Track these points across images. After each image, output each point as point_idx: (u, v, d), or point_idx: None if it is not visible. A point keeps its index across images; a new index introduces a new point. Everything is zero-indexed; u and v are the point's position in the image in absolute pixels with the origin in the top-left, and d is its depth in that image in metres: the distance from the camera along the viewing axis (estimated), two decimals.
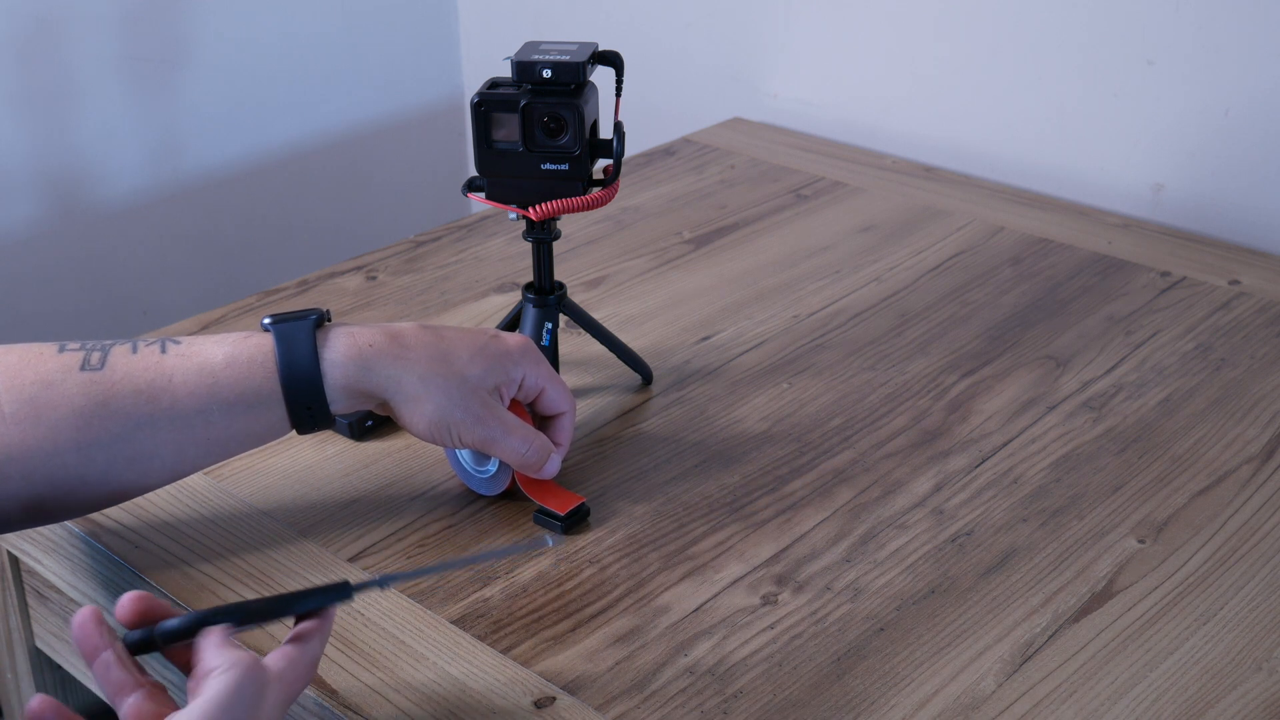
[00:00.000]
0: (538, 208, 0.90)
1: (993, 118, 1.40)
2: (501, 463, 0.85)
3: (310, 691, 0.73)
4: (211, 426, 0.76)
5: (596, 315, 1.05)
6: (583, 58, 0.88)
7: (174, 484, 0.89)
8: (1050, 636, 0.77)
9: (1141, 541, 0.85)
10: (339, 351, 0.78)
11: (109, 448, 0.74)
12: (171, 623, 0.65)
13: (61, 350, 0.76)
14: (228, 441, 0.78)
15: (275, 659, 0.65)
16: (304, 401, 0.77)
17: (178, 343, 0.78)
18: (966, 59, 1.41)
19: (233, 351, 0.77)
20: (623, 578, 0.81)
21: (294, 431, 0.79)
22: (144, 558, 0.83)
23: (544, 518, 0.85)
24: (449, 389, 0.79)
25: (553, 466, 0.84)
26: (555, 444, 0.85)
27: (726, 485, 0.90)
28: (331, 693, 0.73)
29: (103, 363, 0.75)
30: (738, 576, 0.81)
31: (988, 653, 0.76)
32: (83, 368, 0.75)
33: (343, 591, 0.68)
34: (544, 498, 0.85)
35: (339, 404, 0.78)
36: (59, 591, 0.92)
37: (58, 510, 0.76)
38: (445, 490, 0.89)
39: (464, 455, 0.87)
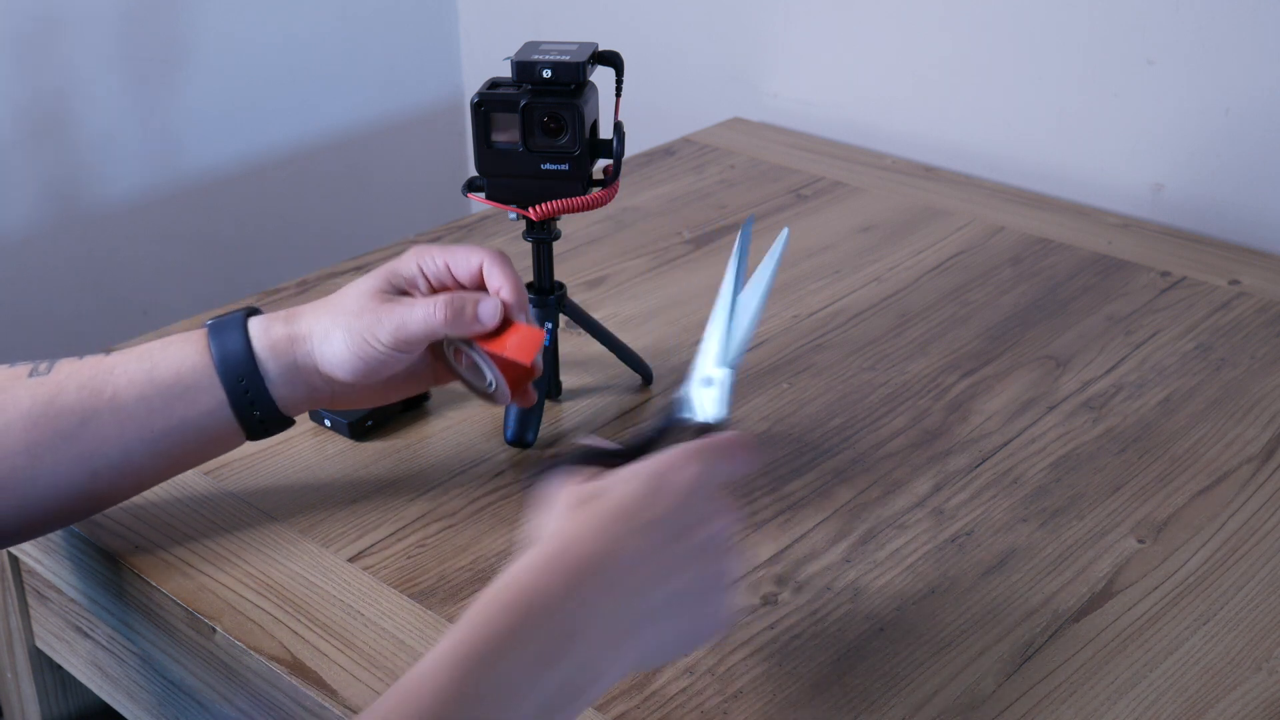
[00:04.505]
0: (538, 208, 0.90)
1: (993, 118, 1.40)
2: (490, 370, 0.83)
3: (311, 692, 0.73)
4: (153, 415, 0.77)
5: (596, 315, 1.05)
6: (583, 58, 0.88)
7: (174, 485, 0.89)
8: (1050, 636, 0.77)
9: (1141, 541, 0.85)
10: (264, 318, 0.80)
11: (57, 448, 0.75)
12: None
13: (13, 366, 0.78)
14: (169, 433, 0.77)
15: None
16: (237, 371, 0.77)
17: (127, 350, 0.80)
18: (967, 59, 1.41)
19: (169, 340, 0.79)
20: None
21: (238, 429, 0.79)
22: (144, 558, 0.83)
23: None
24: (346, 304, 0.80)
25: (487, 309, 0.80)
26: (495, 292, 0.82)
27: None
28: (331, 693, 0.73)
29: (50, 369, 0.78)
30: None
31: (988, 653, 0.76)
32: (31, 375, 0.77)
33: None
34: (507, 349, 0.82)
35: (270, 367, 0.78)
36: (59, 591, 0.92)
37: (14, 525, 0.77)
38: (445, 490, 0.89)
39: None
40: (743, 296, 0.74)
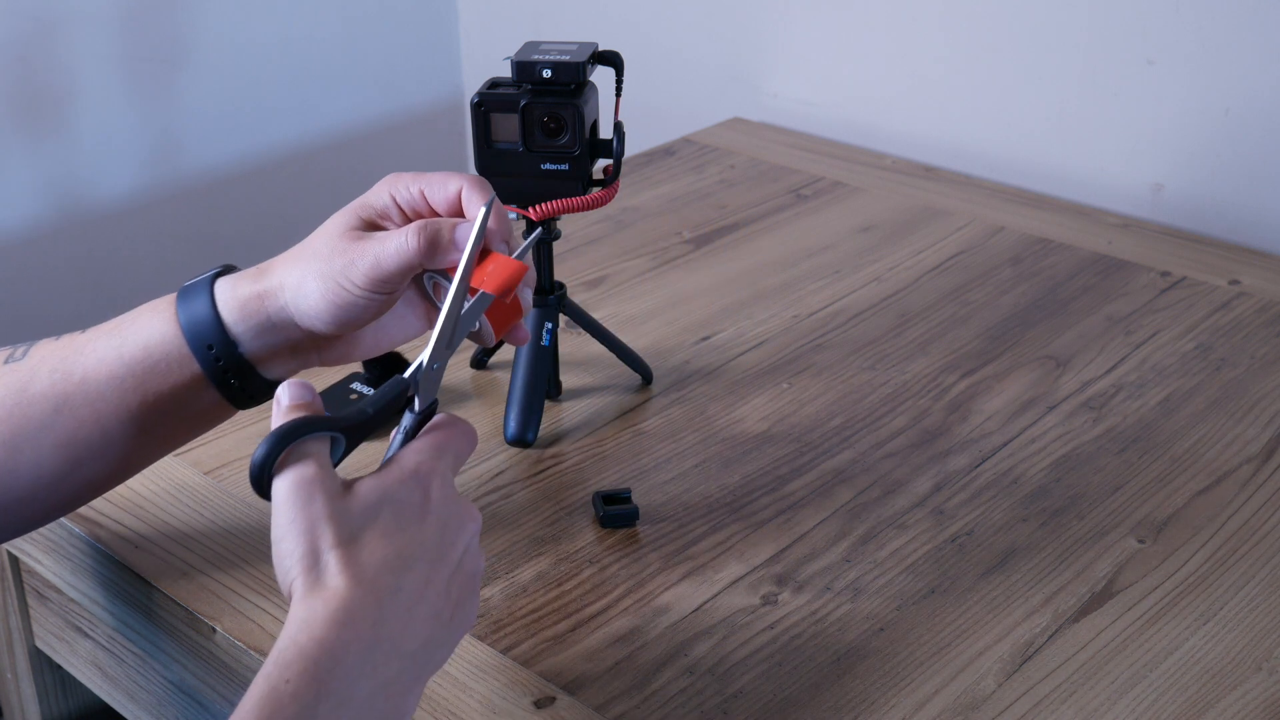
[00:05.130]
0: (538, 208, 0.90)
1: (993, 118, 1.40)
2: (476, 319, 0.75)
3: None
4: (126, 394, 0.72)
5: (596, 315, 1.05)
6: (583, 58, 0.88)
7: (174, 485, 0.89)
8: (1050, 636, 0.77)
9: (1141, 541, 0.85)
10: (232, 277, 0.74)
11: (35, 437, 0.72)
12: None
13: None
14: (147, 411, 0.72)
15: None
16: (205, 339, 0.72)
17: (101, 326, 0.75)
18: (966, 59, 1.41)
19: (140, 310, 0.74)
20: (623, 578, 0.81)
21: (221, 399, 0.74)
22: (144, 558, 0.83)
23: (608, 511, 0.85)
24: (316, 248, 0.73)
25: (464, 234, 0.72)
26: (469, 216, 0.74)
27: (726, 485, 0.90)
28: None
29: (25, 354, 0.74)
30: (738, 576, 0.81)
31: (988, 653, 0.76)
32: (6, 361, 0.73)
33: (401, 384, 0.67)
34: (484, 283, 0.73)
35: (240, 330, 0.72)
36: (59, 591, 0.92)
37: (2, 520, 0.74)
38: None
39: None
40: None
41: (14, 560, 0.95)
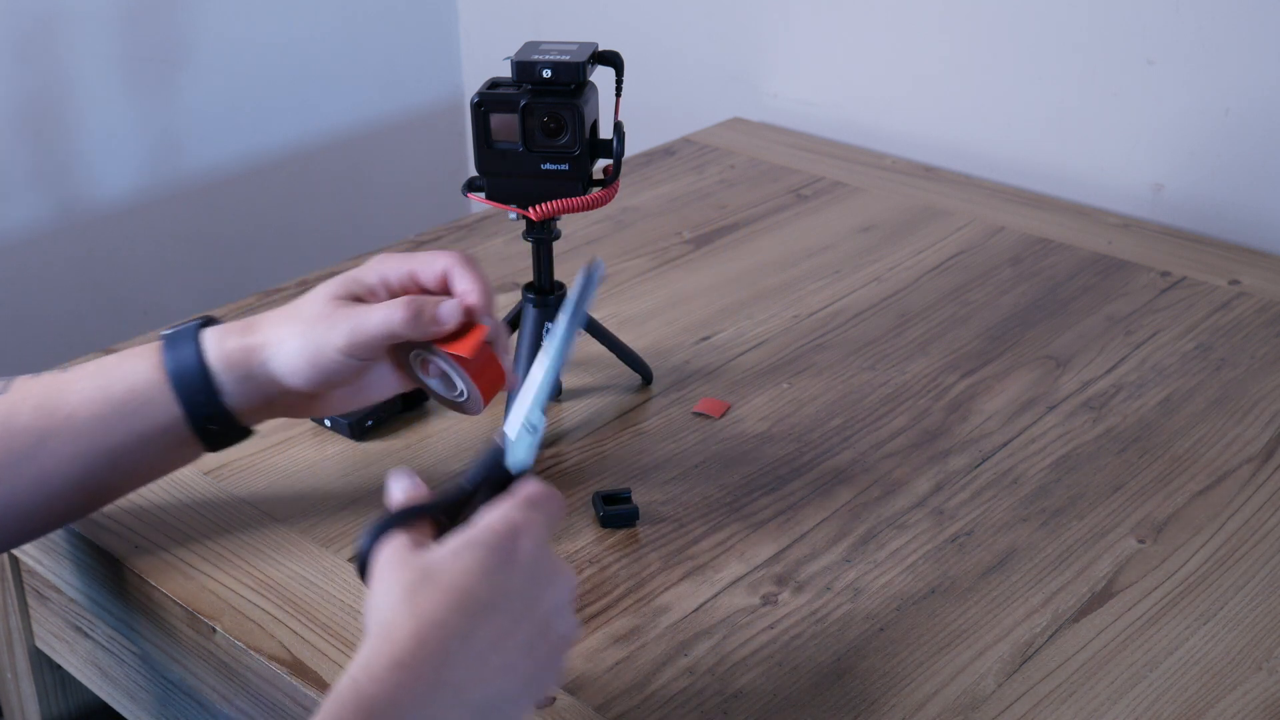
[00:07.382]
0: (538, 208, 0.90)
1: (993, 118, 1.40)
2: (460, 378, 0.79)
3: (310, 692, 0.73)
4: (109, 432, 0.76)
5: (596, 315, 1.05)
6: (583, 58, 0.89)
7: (174, 485, 0.89)
8: (1050, 636, 0.77)
9: (1141, 541, 0.85)
10: (219, 329, 0.78)
11: (13, 469, 0.75)
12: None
13: None
14: (127, 449, 0.76)
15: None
16: (191, 385, 0.76)
17: (83, 366, 0.79)
18: (966, 59, 1.41)
19: (124, 354, 0.78)
20: (623, 578, 0.81)
21: (196, 441, 0.77)
22: (144, 558, 0.83)
23: (608, 509, 0.85)
24: (303, 311, 0.77)
25: (446, 309, 0.76)
26: (461, 296, 0.77)
27: (726, 485, 0.90)
28: None
29: (6, 388, 0.77)
30: (738, 576, 0.81)
31: (988, 653, 0.76)
32: None
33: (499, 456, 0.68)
34: (475, 355, 0.78)
35: (225, 380, 0.76)
36: (59, 591, 0.92)
37: None
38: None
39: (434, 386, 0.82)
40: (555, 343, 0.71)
41: (14, 560, 0.95)
